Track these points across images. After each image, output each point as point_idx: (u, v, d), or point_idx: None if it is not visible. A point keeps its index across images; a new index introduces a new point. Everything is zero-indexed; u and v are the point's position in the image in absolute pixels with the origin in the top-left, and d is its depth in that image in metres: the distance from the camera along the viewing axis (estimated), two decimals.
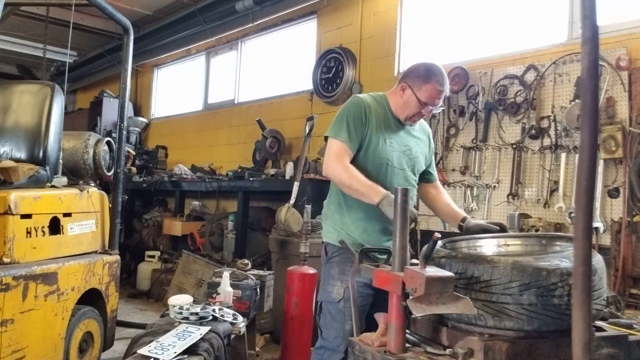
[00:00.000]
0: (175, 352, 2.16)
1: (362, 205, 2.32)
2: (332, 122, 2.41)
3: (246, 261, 3.92)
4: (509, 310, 1.48)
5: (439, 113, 4.33)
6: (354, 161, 2.35)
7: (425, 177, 2.61)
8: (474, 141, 4.16)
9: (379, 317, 1.65)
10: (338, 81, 5.48)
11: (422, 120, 2.55)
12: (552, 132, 3.75)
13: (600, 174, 3.43)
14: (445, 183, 4.25)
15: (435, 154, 4.30)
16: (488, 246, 1.96)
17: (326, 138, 2.39)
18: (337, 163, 2.29)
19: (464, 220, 2.37)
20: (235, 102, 7.22)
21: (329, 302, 2.36)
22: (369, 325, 2.28)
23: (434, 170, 2.65)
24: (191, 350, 2.25)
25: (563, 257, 1.55)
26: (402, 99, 2.38)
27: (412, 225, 1.99)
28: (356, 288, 2.13)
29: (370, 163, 2.36)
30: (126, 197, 6.38)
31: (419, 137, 2.52)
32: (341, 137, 2.31)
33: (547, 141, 3.78)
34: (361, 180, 2.23)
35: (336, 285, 2.35)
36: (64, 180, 3.35)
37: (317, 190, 4.80)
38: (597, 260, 1.61)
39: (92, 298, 3.37)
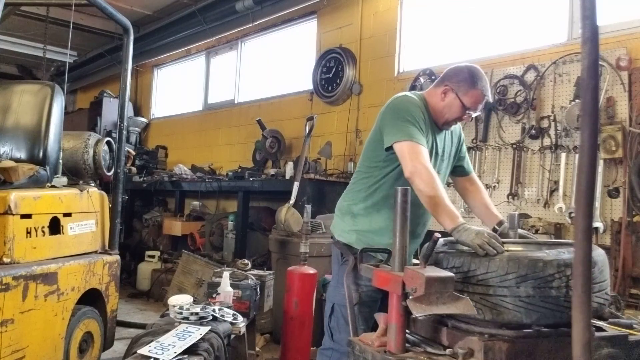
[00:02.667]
0: (175, 352, 2.16)
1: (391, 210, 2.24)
2: (390, 125, 2.20)
3: (246, 261, 3.92)
4: (506, 304, 1.48)
5: None
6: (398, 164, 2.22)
7: (458, 171, 2.52)
8: (474, 141, 4.16)
9: (379, 317, 1.65)
10: (338, 81, 5.48)
11: None
12: (552, 132, 3.75)
13: (600, 174, 3.43)
14: (446, 183, 4.24)
15: None
16: None
17: (389, 147, 2.17)
18: (427, 166, 2.04)
19: (500, 224, 2.24)
20: (235, 102, 7.22)
21: (344, 305, 2.29)
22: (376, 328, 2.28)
23: (467, 163, 2.55)
24: (191, 350, 2.25)
25: (562, 249, 1.55)
26: (443, 102, 2.27)
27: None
28: (351, 288, 2.14)
29: None
30: (126, 197, 6.37)
31: (452, 136, 2.46)
32: (417, 138, 2.11)
33: (547, 141, 3.78)
34: (446, 197, 2.01)
35: (352, 289, 2.27)
36: (64, 180, 3.34)
37: (317, 190, 4.80)
38: (598, 253, 1.61)
39: (92, 298, 3.37)
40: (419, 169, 2.03)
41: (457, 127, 2.50)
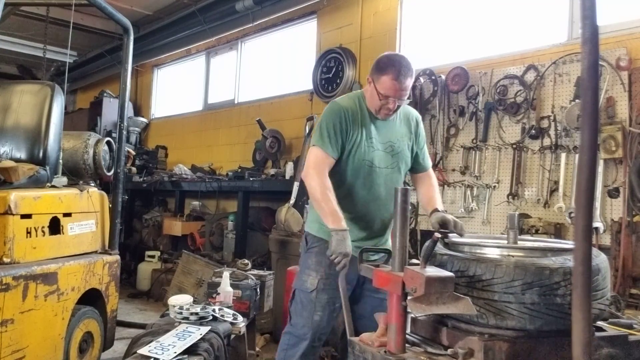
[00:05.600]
0: (175, 352, 2.16)
1: (349, 204, 2.36)
2: (315, 129, 2.42)
3: (246, 261, 3.92)
4: (511, 310, 1.48)
5: (439, 113, 4.34)
6: (335, 166, 2.36)
7: (413, 168, 2.55)
8: (474, 141, 4.16)
9: (379, 317, 1.65)
10: (338, 81, 5.48)
11: (406, 108, 2.49)
12: (552, 132, 3.75)
13: (600, 174, 3.43)
14: (445, 183, 4.25)
15: (435, 154, 4.32)
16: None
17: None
18: (315, 175, 2.30)
19: (433, 211, 2.31)
20: (235, 102, 7.22)
21: (302, 290, 2.41)
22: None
23: (423, 160, 2.57)
24: (191, 350, 2.25)
25: (567, 256, 1.55)
26: (368, 92, 2.38)
27: (340, 262, 2.16)
28: (346, 289, 2.17)
29: (350, 167, 2.37)
30: (126, 197, 6.37)
31: (402, 128, 2.47)
32: (322, 145, 2.32)
33: (547, 141, 3.78)
34: (330, 203, 2.24)
35: (311, 275, 2.39)
36: (64, 180, 3.35)
37: None
38: (602, 259, 1.61)
39: (92, 298, 3.37)
40: (310, 174, 2.31)
41: (413, 116, 2.52)
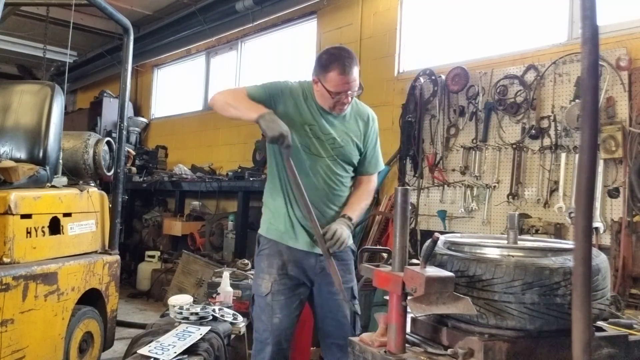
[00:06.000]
0: (175, 352, 2.16)
1: (289, 192, 2.31)
2: None
3: (246, 261, 3.92)
4: (511, 310, 1.48)
5: (439, 113, 4.34)
6: (272, 153, 2.34)
7: (358, 169, 2.45)
8: (474, 141, 4.16)
9: (379, 317, 1.65)
10: None
11: (359, 106, 2.44)
12: (552, 132, 3.75)
13: (600, 174, 3.43)
14: (445, 183, 4.25)
15: (435, 154, 4.33)
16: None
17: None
18: (224, 92, 2.28)
19: (342, 216, 2.31)
20: None
21: (258, 295, 2.36)
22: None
23: (369, 163, 2.46)
24: (191, 350, 2.25)
25: (567, 256, 1.55)
26: (317, 92, 2.30)
27: (283, 143, 2.08)
28: (294, 171, 2.16)
29: None
30: (126, 197, 6.37)
31: (350, 124, 2.39)
32: (247, 89, 2.28)
33: (547, 141, 3.78)
34: (245, 100, 2.19)
35: (265, 278, 2.34)
36: (64, 180, 3.35)
37: None
38: (602, 259, 1.61)
39: (92, 298, 3.37)
40: (218, 93, 2.29)
41: (365, 115, 2.45)
